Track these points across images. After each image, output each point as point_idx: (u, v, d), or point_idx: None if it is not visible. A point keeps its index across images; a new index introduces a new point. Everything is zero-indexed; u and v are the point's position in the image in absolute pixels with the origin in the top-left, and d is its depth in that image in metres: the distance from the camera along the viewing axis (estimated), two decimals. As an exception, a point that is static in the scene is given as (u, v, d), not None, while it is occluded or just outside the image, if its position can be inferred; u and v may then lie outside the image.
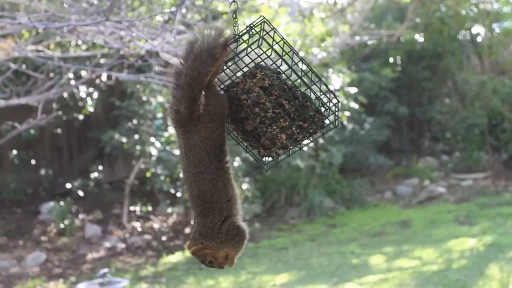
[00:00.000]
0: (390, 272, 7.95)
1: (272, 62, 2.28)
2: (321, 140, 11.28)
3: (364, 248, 9.21)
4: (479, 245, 8.76)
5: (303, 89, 2.33)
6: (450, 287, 7.15)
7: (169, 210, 10.80)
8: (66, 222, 10.38)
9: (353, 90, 11.72)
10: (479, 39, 15.03)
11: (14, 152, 11.23)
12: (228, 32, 2.25)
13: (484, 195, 11.78)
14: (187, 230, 10.60)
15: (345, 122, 12.07)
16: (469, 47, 15.06)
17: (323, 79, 2.42)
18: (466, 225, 9.94)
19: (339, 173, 12.27)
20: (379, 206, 11.81)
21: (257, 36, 2.25)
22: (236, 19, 2.39)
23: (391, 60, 14.27)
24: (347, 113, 11.66)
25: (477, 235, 9.25)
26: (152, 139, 10.49)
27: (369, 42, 14.10)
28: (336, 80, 11.14)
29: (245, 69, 2.33)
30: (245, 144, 2.38)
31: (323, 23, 11.52)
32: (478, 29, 14.90)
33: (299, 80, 2.32)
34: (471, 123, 13.54)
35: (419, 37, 14.36)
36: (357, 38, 13.25)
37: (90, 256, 9.80)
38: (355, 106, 11.87)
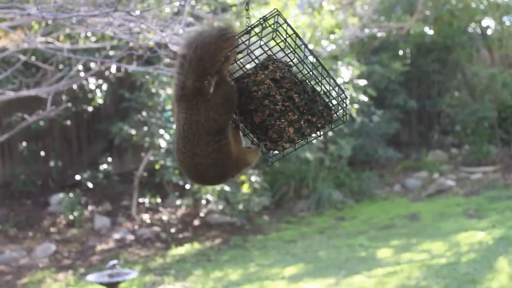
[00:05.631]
0: (398, 265, 7.95)
1: (284, 55, 2.28)
2: (330, 133, 11.25)
3: (372, 241, 9.20)
4: (488, 238, 8.74)
5: (313, 83, 2.33)
6: (459, 280, 7.13)
7: (178, 202, 10.83)
8: (76, 213, 10.41)
9: (362, 82, 11.71)
10: (489, 32, 14.95)
11: (24, 143, 11.26)
12: (237, 25, 2.24)
13: (493, 188, 11.74)
14: (196, 222, 10.62)
15: (354, 115, 12.03)
16: (479, 40, 14.99)
17: (332, 72, 2.41)
18: (475, 218, 9.91)
19: (348, 165, 12.25)
20: (388, 199, 11.79)
21: (270, 29, 2.25)
22: (248, 11, 2.38)
23: (400, 52, 14.21)
24: (356, 106, 11.64)
25: (486, 228, 9.22)
26: (161, 131, 10.50)
27: (379, 35, 14.06)
28: (345, 72, 11.12)
29: (257, 61, 2.33)
30: (252, 136, 2.37)
31: (333, 15, 11.49)
32: (488, 22, 14.82)
33: (309, 74, 2.31)
34: (480, 116, 13.47)
35: (429, 30, 14.29)
36: (367, 30, 13.21)
37: (99, 247, 9.83)
38: (364, 98, 11.84)
